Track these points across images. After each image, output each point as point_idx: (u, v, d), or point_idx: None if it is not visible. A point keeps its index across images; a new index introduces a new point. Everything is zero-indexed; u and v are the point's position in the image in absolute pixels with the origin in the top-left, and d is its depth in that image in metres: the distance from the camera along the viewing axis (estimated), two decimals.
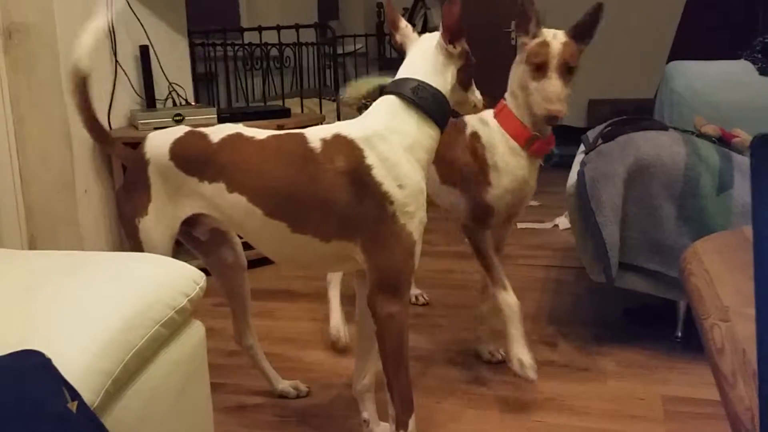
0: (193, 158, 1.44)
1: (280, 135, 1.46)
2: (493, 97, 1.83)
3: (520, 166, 1.77)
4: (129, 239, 1.54)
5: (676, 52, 6.00)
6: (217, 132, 1.46)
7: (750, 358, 0.75)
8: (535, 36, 1.68)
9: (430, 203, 1.78)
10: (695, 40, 5.89)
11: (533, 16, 1.69)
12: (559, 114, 1.65)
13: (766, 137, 0.51)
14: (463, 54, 1.44)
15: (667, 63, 6.04)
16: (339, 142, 1.36)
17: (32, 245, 2.58)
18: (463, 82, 1.47)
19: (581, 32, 1.69)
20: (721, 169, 1.92)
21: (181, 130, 1.50)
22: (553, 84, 1.64)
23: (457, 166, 1.85)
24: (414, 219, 1.35)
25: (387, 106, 1.41)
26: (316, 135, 1.39)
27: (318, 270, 1.60)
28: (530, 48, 1.68)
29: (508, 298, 1.83)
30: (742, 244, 1.18)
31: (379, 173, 1.32)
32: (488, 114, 1.83)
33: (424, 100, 1.37)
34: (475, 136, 1.83)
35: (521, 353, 1.77)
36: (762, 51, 2.71)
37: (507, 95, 1.81)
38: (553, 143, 1.83)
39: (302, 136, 1.40)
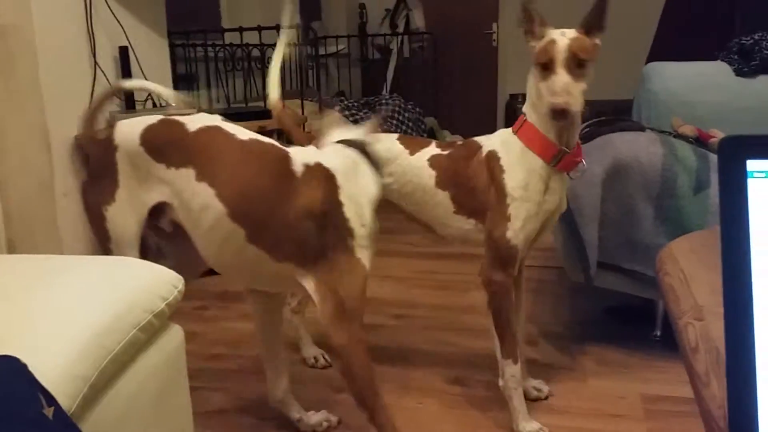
0: (165, 144, 1.43)
1: (263, 142, 1.46)
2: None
3: (541, 190, 1.59)
4: (95, 230, 1.52)
5: (654, 53, 6.06)
6: (195, 121, 1.46)
7: (723, 357, 0.75)
8: (542, 37, 1.57)
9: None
10: (674, 42, 5.94)
11: (536, 17, 1.59)
12: (564, 106, 1.47)
13: (733, 139, 0.52)
14: None
15: (646, 62, 6.11)
16: (320, 172, 1.39)
17: (11, 249, 2.55)
18: None
19: (591, 24, 1.57)
20: (698, 170, 1.94)
21: (154, 118, 1.50)
22: (559, 77, 1.49)
23: (476, 193, 1.68)
24: (367, 252, 1.40)
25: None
26: (300, 158, 1.41)
27: (254, 284, 1.60)
28: (538, 48, 1.56)
29: (516, 372, 1.68)
30: (717, 243, 1.18)
31: (348, 211, 1.37)
32: (507, 132, 1.68)
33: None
34: (492, 156, 1.65)
35: (528, 426, 1.67)
36: (738, 52, 2.74)
37: (526, 107, 1.66)
38: (581, 156, 1.63)
39: (287, 156, 1.42)
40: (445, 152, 1.76)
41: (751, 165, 0.51)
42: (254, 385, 1.97)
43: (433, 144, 1.80)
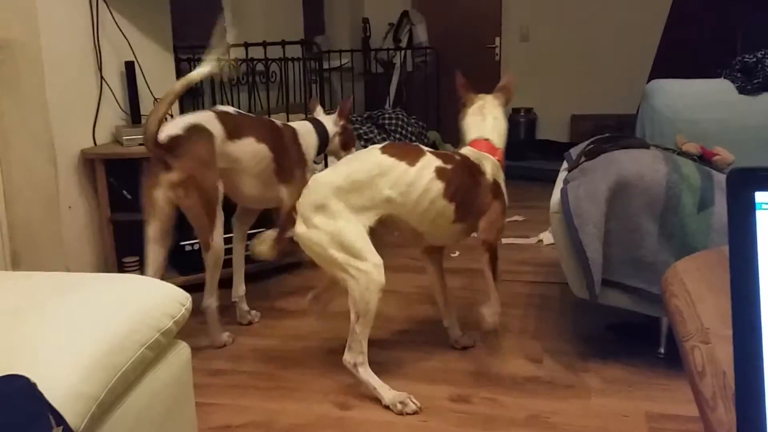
0: None
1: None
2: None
3: None
4: None
5: (657, 68, 6.09)
6: None
7: (730, 382, 0.76)
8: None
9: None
10: (676, 57, 5.97)
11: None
12: None
13: (741, 171, 0.52)
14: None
15: (648, 79, 6.13)
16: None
17: (15, 262, 2.56)
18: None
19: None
20: (702, 187, 1.94)
21: None
22: None
23: (481, 208, 2.08)
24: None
25: None
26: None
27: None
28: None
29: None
30: (722, 264, 1.20)
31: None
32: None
33: None
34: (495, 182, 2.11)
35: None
36: (741, 70, 2.76)
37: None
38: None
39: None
40: (449, 166, 2.01)
41: (760, 197, 0.52)
42: (257, 400, 1.97)
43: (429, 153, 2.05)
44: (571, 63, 6.56)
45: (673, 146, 2.38)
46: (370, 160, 1.94)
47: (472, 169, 2.06)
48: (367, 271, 1.84)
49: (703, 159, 2.25)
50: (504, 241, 3.63)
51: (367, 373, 1.92)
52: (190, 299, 1.24)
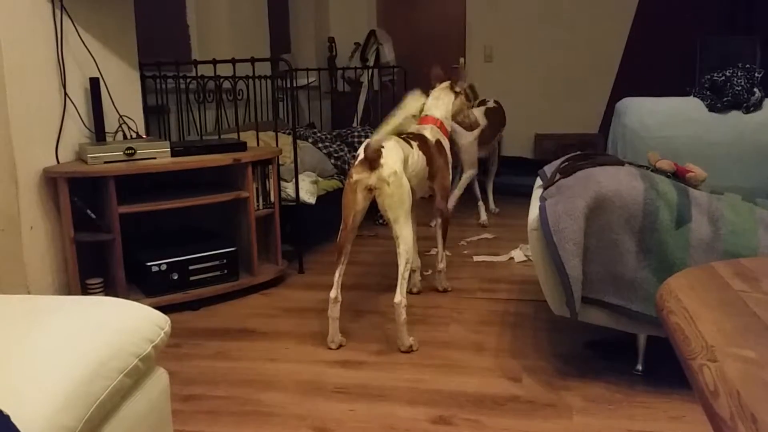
0: None
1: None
2: None
3: None
4: None
5: (617, 89, 6.20)
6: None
7: (746, 401, 0.74)
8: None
9: None
10: (636, 79, 6.10)
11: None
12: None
13: None
14: None
15: (609, 100, 6.24)
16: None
17: None
18: None
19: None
20: (678, 204, 1.95)
21: None
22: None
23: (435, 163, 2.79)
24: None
25: None
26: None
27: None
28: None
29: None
30: (714, 281, 1.19)
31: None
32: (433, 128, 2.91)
33: None
34: (438, 142, 2.85)
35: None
36: (710, 88, 2.81)
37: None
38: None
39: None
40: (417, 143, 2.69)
41: None
42: (232, 427, 1.90)
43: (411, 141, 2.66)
44: (534, 83, 6.64)
45: (645, 163, 2.40)
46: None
47: (423, 138, 2.75)
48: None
49: (677, 176, 2.27)
50: (476, 258, 3.62)
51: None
52: (169, 322, 1.18)
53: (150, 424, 1.14)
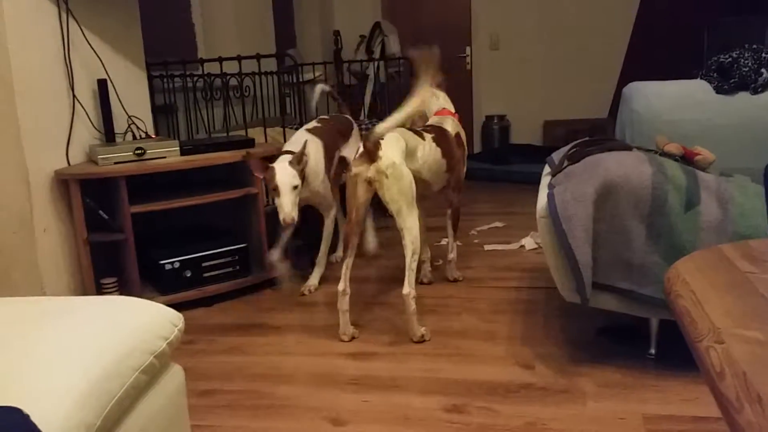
0: None
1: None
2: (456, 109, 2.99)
3: None
4: None
5: (625, 73, 6.17)
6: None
7: (752, 382, 0.75)
8: None
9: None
10: (643, 62, 6.06)
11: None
12: None
13: None
14: None
15: (617, 84, 6.21)
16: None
17: None
18: None
19: None
20: (687, 187, 1.95)
21: None
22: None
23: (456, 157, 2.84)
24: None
25: None
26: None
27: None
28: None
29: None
30: (721, 263, 1.19)
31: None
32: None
33: None
34: (458, 135, 2.90)
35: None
36: (717, 70, 2.79)
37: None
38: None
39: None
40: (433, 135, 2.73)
41: None
42: (247, 420, 1.92)
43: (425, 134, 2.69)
44: (541, 70, 6.62)
45: (654, 147, 2.39)
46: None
47: (442, 131, 2.80)
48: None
49: (685, 159, 2.26)
50: (486, 247, 3.63)
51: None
52: (183, 319, 1.20)
53: (167, 419, 1.16)
